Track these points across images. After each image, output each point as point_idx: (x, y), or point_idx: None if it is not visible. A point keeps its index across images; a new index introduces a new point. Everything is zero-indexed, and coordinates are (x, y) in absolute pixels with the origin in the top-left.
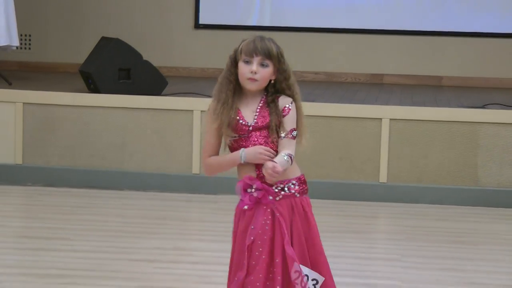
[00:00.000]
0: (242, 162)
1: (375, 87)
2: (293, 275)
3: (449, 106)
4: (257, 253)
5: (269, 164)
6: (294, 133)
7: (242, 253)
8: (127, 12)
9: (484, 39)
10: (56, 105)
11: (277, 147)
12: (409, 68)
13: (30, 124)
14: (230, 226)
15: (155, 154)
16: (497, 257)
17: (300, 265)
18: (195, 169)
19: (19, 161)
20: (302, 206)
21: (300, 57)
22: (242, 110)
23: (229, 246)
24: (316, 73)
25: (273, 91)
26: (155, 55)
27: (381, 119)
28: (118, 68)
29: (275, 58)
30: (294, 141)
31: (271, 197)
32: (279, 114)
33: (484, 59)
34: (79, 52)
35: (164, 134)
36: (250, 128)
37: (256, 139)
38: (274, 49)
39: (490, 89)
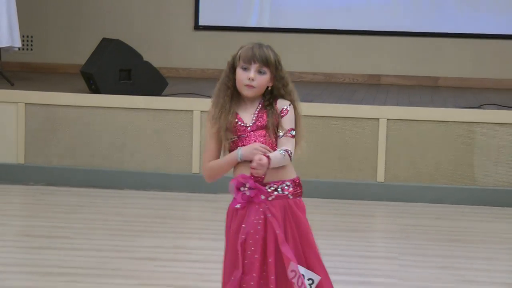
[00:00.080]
0: (239, 159)
1: (373, 88)
2: (290, 275)
3: (446, 106)
4: (249, 252)
5: (256, 156)
6: (293, 132)
7: (235, 253)
8: (128, 13)
9: (480, 40)
10: (57, 105)
11: (276, 147)
12: (406, 69)
13: (32, 124)
14: None
15: (155, 154)
16: (494, 256)
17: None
18: (195, 168)
19: (21, 160)
20: (295, 208)
21: (298, 58)
22: (240, 114)
23: None
24: (314, 73)
25: (269, 97)
26: (155, 56)
27: (378, 119)
28: (119, 69)
29: (273, 66)
30: (293, 140)
31: (263, 197)
32: (277, 115)
33: (480, 60)
34: (80, 53)
35: (164, 134)
36: (249, 128)
37: (255, 139)
38: (272, 57)
39: (486, 90)
